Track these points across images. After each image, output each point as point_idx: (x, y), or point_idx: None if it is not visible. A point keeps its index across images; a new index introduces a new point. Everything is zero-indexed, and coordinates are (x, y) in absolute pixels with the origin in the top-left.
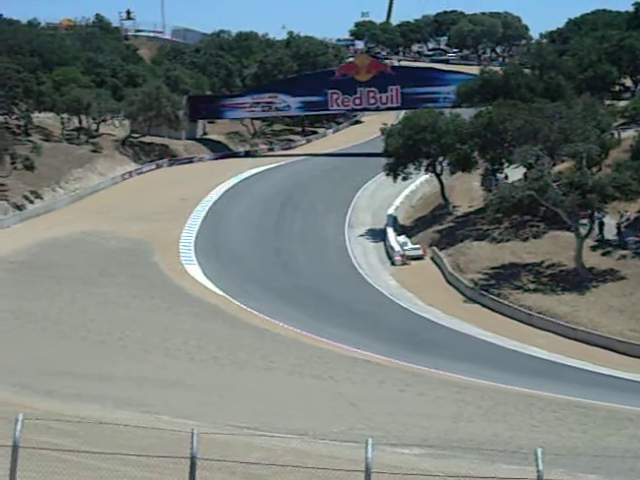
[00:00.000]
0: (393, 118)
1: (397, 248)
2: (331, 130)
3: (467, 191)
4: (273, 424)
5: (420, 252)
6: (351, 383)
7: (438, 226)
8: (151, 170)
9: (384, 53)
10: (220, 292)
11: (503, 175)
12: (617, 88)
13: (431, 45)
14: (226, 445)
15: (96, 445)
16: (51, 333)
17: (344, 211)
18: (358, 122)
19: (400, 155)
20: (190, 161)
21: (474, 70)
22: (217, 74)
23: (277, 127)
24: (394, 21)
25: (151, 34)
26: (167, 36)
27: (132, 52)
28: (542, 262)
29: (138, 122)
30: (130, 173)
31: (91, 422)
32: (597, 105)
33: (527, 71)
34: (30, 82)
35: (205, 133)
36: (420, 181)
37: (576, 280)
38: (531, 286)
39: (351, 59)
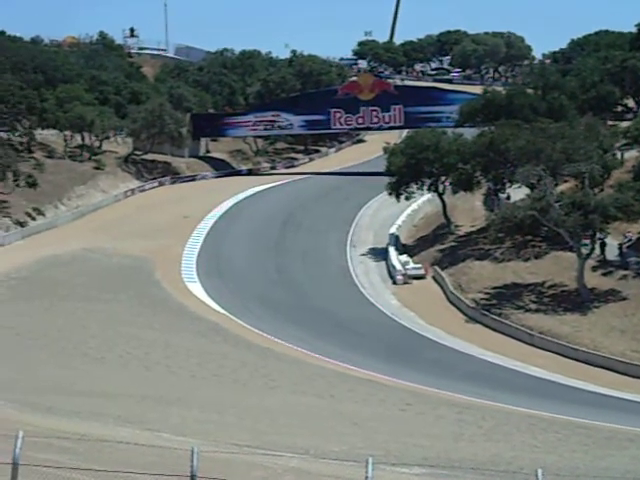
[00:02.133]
0: (396, 137)
1: (399, 267)
2: (333, 149)
3: (469, 211)
4: (274, 443)
5: (422, 271)
6: (352, 402)
7: (440, 245)
8: (153, 187)
9: (387, 72)
10: (222, 310)
11: (505, 195)
12: (619, 109)
13: (434, 64)
14: (227, 463)
15: (96, 463)
16: (52, 350)
17: (346, 230)
18: (361, 141)
19: (403, 174)
20: (193, 179)
21: (477, 90)
22: (220, 92)
23: (280, 145)
24: (397, 40)
25: (154, 52)
26: (170, 54)
27: (135, 70)
28: (544, 282)
29: (141, 139)
30: (132, 190)
31: (91, 439)
32: (599, 125)
33: (530, 91)
34: (33, 99)
35: (208, 151)
36: (422, 200)
37: (578, 300)
38: (533, 306)
39: (354, 78)
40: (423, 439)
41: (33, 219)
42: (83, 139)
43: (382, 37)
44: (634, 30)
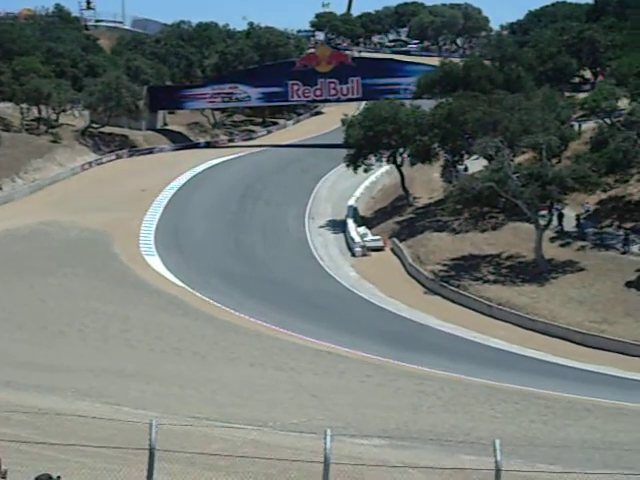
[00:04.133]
0: (354, 109)
1: (357, 239)
2: (292, 121)
3: (427, 182)
4: (233, 415)
5: (380, 243)
6: (312, 374)
7: (398, 217)
8: (111, 160)
9: (345, 44)
10: (180, 283)
11: (463, 167)
12: (577, 80)
13: (392, 36)
14: (186, 436)
15: (55, 436)
16: (10, 324)
17: (304, 202)
18: (319, 113)
19: (361, 146)
20: (150, 152)
21: (435, 61)
22: (177, 65)
23: (237, 118)
24: (355, 12)
25: (111, 24)
26: (127, 26)
27: (92, 42)
28: (502, 253)
29: (98, 112)
30: (90, 163)
31: (50, 413)
32: (557, 97)
33: (487, 63)
34: None
35: (165, 124)
36: (380, 172)
37: (536, 271)
38: (491, 277)
39: (312, 50)
40: (382, 411)
41: None
42: (40, 112)
43: (339, 9)
44: (591, 1)
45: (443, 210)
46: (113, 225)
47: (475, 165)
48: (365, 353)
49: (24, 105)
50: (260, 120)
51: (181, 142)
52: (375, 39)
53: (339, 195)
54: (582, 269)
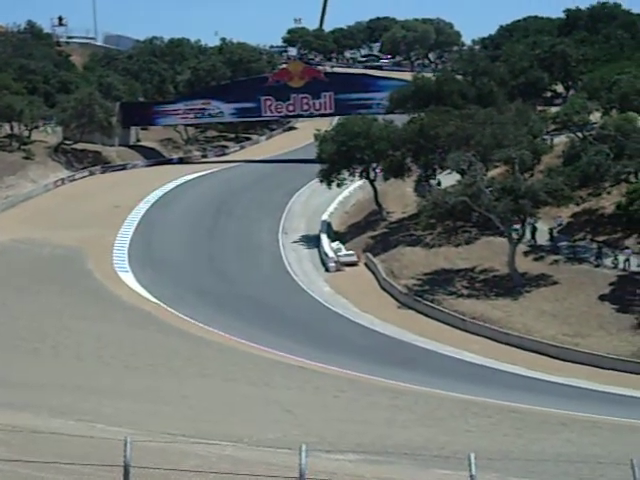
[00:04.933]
0: (327, 124)
1: (331, 254)
2: (264, 137)
3: (400, 197)
4: (208, 431)
5: (354, 258)
6: (286, 389)
7: (372, 232)
8: (84, 177)
9: (317, 59)
10: (154, 299)
11: (436, 181)
12: (549, 94)
13: (364, 51)
14: (161, 453)
15: (30, 454)
16: None
17: (278, 217)
18: (292, 128)
19: (334, 161)
20: (123, 168)
21: (407, 76)
22: (150, 81)
23: (210, 134)
24: (327, 27)
25: (83, 40)
26: (99, 42)
27: (64, 58)
28: (475, 267)
29: (71, 129)
30: (63, 180)
31: (24, 431)
32: (529, 111)
33: (459, 77)
34: None
35: (138, 140)
36: (354, 187)
37: (509, 285)
38: (465, 291)
39: (284, 65)
40: (357, 425)
41: None
42: (12, 129)
43: (312, 24)
44: (562, 16)
45: (416, 224)
46: (86, 242)
47: (448, 179)
48: (339, 368)
49: None
50: (233, 136)
51: (154, 158)
52: (347, 54)
53: (313, 210)
54: (555, 282)
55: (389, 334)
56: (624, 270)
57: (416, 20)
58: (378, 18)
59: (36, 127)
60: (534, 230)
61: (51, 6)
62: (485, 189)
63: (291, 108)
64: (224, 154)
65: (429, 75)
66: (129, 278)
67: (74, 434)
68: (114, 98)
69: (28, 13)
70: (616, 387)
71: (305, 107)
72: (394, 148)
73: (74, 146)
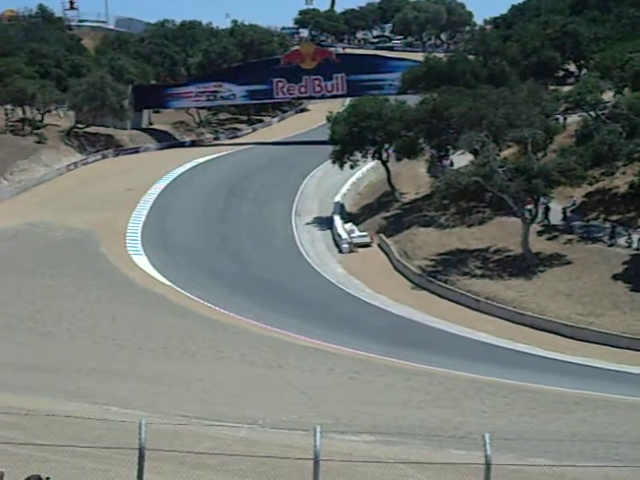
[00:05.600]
0: (339, 106)
1: (344, 236)
2: (277, 118)
3: (413, 178)
4: (223, 413)
5: (367, 239)
6: (301, 371)
7: (385, 213)
8: (97, 160)
9: (329, 41)
10: (168, 282)
11: (449, 161)
12: (561, 73)
13: (375, 32)
14: (175, 435)
15: (45, 437)
16: None
17: (291, 199)
18: (304, 110)
19: (346, 143)
20: (136, 151)
21: (419, 57)
22: (162, 63)
23: (222, 116)
24: (338, 9)
25: (94, 24)
26: (111, 26)
27: (76, 42)
28: (489, 248)
29: (83, 112)
30: (75, 164)
31: (40, 414)
32: (541, 91)
33: (471, 57)
34: None
35: (150, 123)
36: (366, 168)
37: (523, 265)
38: (478, 272)
39: (296, 47)
40: (372, 406)
41: None
42: (24, 113)
43: (323, 6)
44: None
45: (430, 205)
46: (100, 225)
47: (461, 160)
48: (353, 349)
49: (8, 106)
50: (245, 118)
51: (166, 141)
52: (359, 35)
53: (325, 192)
54: (569, 262)
55: (403, 315)
56: (637, 249)
57: (428, 0)
58: None
59: (48, 111)
60: (547, 210)
61: None
62: (498, 169)
63: (303, 90)
64: (236, 136)
65: (441, 55)
66: (142, 261)
67: (89, 417)
68: (126, 81)
69: None
70: (630, 366)
71: (317, 89)
72: (406, 129)
73: (86, 130)
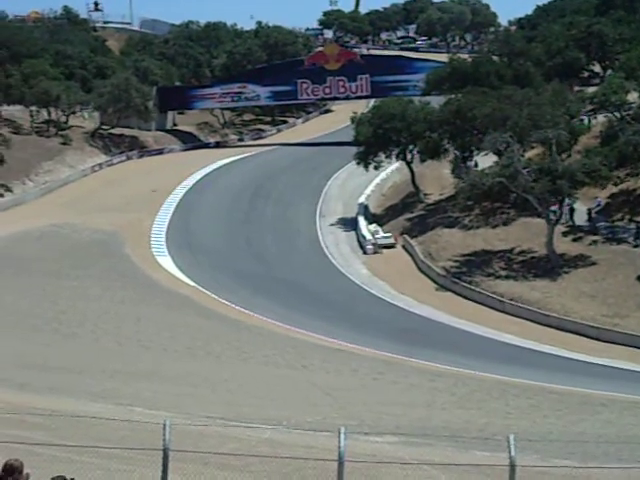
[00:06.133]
0: (363, 107)
1: (369, 237)
2: (301, 120)
3: (437, 179)
4: (247, 415)
5: (392, 240)
6: (325, 372)
7: (409, 214)
8: (121, 162)
9: (353, 42)
10: (192, 283)
11: (473, 162)
12: (586, 74)
13: (400, 33)
14: (200, 436)
15: (69, 438)
16: (23, 326)
17: (315, 201)
18: (328, 111)
19: (370, 144)
20: (160, 152)
21: (443, 58)
22: (186, 65)
23: (247, 117)
24: (363, 9)
25: (119, 25)
26: (135, 27)
27: (100, 44)
28: (513, 249)
29: (108, 114)
30: (100, 165)
31: (64, 415)
32: (566, 91)
33: (496, 58)
34: None
35: (175, 124)
36: (391, 169)
37: (548, 266)
38: (503, 273)
39: (320, 48)
40: (396, 408)
41: (1, 196)
42: (49, 114)
43: (347, 6)
44: None
45: (454, 206)
46: (124, 226)
47: (485, 161)
48: (377, 350)
49: (34, 108)
50: (269, 119)
51: (191, 142)
52: (383, 36)
53: (350, 193)
54: (594, 263)
55: (427, 316)
56: None
57: (452, 1)
58: (414, 0)
59: (73, 112)
60: (572, 211)
61: None
62: (522, 170)
63: (327, 91)
64: (261, 137)
65: (465, 56)
66: (167, 262)
67: (113, 418)
68: (150, 83)
69: None
70: None
71: (341, 90)
72: (431, 130)
73: (111, 131)
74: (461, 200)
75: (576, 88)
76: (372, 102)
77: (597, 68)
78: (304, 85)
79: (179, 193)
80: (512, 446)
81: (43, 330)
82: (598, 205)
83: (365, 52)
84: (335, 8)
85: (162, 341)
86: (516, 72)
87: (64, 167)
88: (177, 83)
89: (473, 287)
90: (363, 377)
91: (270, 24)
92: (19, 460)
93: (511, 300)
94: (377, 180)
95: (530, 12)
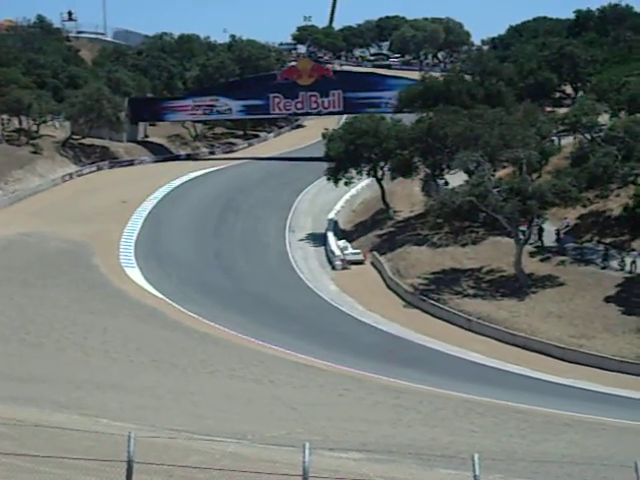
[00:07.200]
0: (335, 123)
1: (337, 252)
2: (272, 134)
3: (408, 196)
4: (212, 428)
5: (360, 257)
6: (291, 387)
7: (379, 231)
8: (92, 172)
9: (326, 57)
10: (160, 295)
11: (443, 181)
12: (557, 95)
13: (373, 50)
14: (164, 448)
15: (33, 448)
16: None
17: (285, 215)
18: (300, 126)
19: (341, 160)
20: (131, 163)
21: (416, 76)
22: (159, 76)
23: (218, 130)
24: (336, 25)
25: (93, 35)
26: (109, 38)
27: (73, 53)
28: (482, 268)
29: (79, 124)
30: (70, 175)
31: (28, 425)
32: (537, 112)
33: (468, 77)
34: None
35: (146, 135)
36: (361, 186)
37: (515, 286)
38: (471, 291)
39: (293, 63)
40: (361, 424)
41: None
42: (20, 123)
43: (321, 22)
44: (572, 16)
45: (423, 224)
46: (93, 236)
47: (455, 179)
48: (344, 366)
49: (4, 116)
50: (241, 133)
51: (162, 154)
52: (357, 53)
53: (319, 208)
54: (562, 284)
55: (394, 333)
56: (630, 272)
57: (426, 19)
58: (388, 17)
59: (44, 122)
60: (541, 231)
61: (61, 1)
62: (492, 189)
63: (299, 106)
64: (232, 151)
65: (438, 75)
66: (135, 273)
67: (78, 429)
68: (123, 93)
69: (38, 8)
70: (621, 389)
71: (313, 105)
72: (402, 147)
73: (82, 141)
74: (431, 218)
75: (547, 109)
76: (344, 118)
77: (569, 89)
78: (276, 100)
79: (149, 205)
80: (477, 465)
81: (9, 339)
82: (567, 226)
83: (338, 68)
84: (309, 23)
85: (128, 352)
86: (488, 91)
87: (34, 176)
88: (149, 94)
89: (441, 305)
90: (329, 393)
91: (244, 38)
92: None
93: (478, 319)
94: (347, 196)
95: (503, 32)
